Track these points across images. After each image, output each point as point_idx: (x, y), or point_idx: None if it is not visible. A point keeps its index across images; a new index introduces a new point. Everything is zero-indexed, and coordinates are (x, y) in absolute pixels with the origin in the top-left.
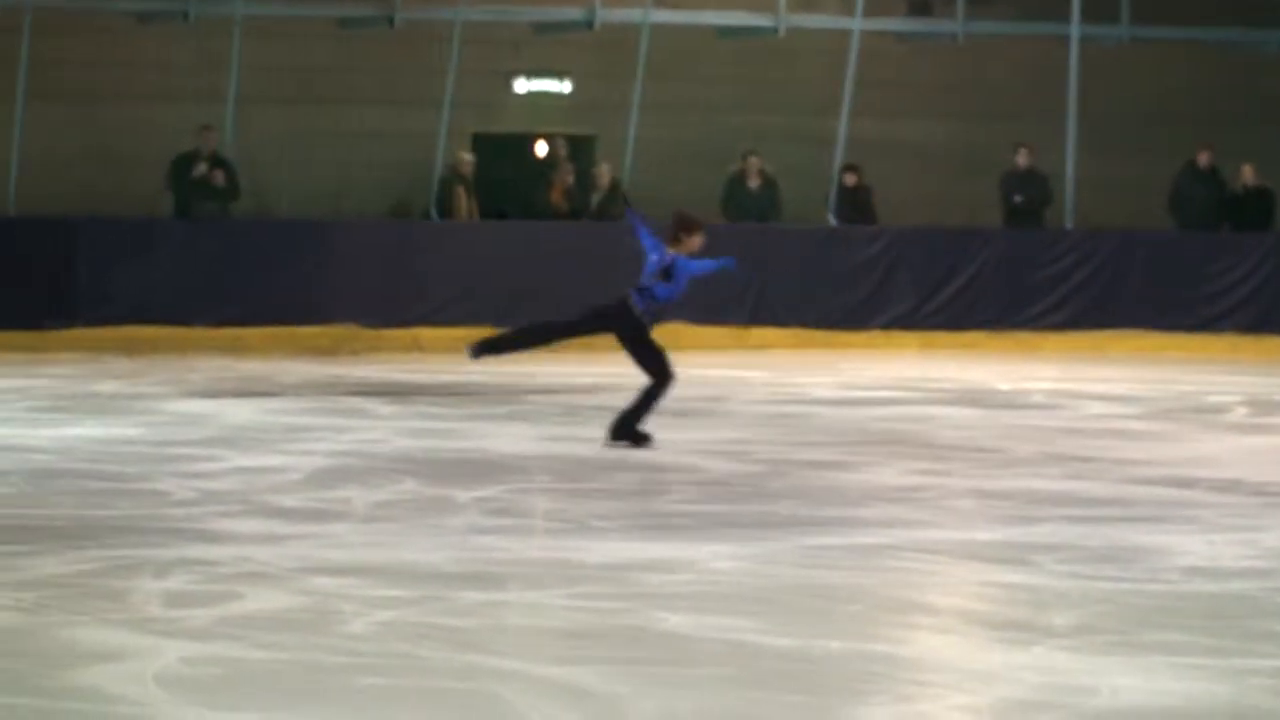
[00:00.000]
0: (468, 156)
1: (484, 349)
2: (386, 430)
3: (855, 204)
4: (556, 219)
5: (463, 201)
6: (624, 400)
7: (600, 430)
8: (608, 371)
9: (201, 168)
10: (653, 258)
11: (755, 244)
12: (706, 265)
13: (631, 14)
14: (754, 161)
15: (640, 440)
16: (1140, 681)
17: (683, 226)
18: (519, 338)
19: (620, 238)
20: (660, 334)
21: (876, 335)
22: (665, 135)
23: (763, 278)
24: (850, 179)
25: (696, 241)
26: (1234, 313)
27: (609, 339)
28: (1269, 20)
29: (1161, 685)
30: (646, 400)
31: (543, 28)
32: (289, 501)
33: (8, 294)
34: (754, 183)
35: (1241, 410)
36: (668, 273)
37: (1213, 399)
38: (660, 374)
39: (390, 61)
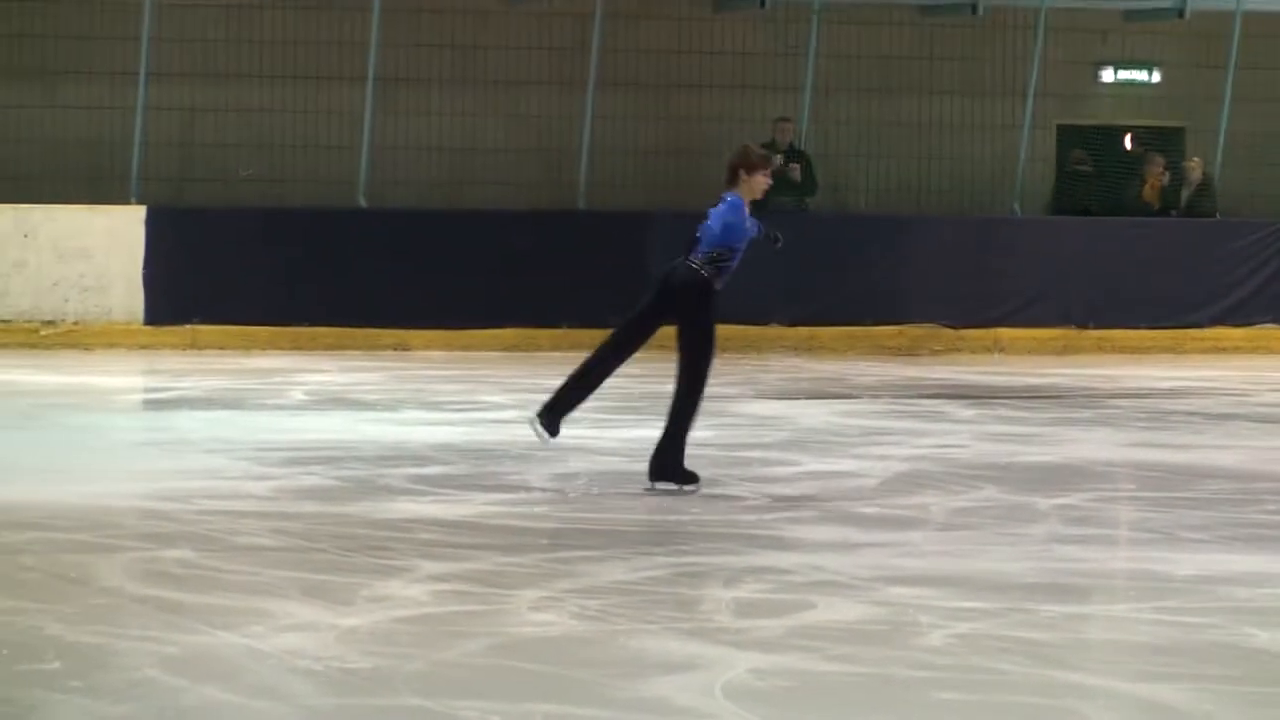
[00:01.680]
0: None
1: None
2: (966, 434)
3: None
4: (1146, 215)
5: None
6: (1213, 405)
7: (1191, 436)
8: (1193, 375)
9: (778, 160)
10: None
11: None
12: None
13: (1224, 1)
14: None
15: (686, 479)
16: None
17: (743, 162)
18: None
19: (1211, 236)
20: (1246, 336)
21: None
22: (1257, 128)
23: None
24: None
25: (759, 182)
26: None
27: None
28: None
29: None
30: (679, 422)
31: (1132, 15)
32: (864, 508)
33: (576, 289)
34: None
35: None
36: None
37: None
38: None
39: (972, 50)
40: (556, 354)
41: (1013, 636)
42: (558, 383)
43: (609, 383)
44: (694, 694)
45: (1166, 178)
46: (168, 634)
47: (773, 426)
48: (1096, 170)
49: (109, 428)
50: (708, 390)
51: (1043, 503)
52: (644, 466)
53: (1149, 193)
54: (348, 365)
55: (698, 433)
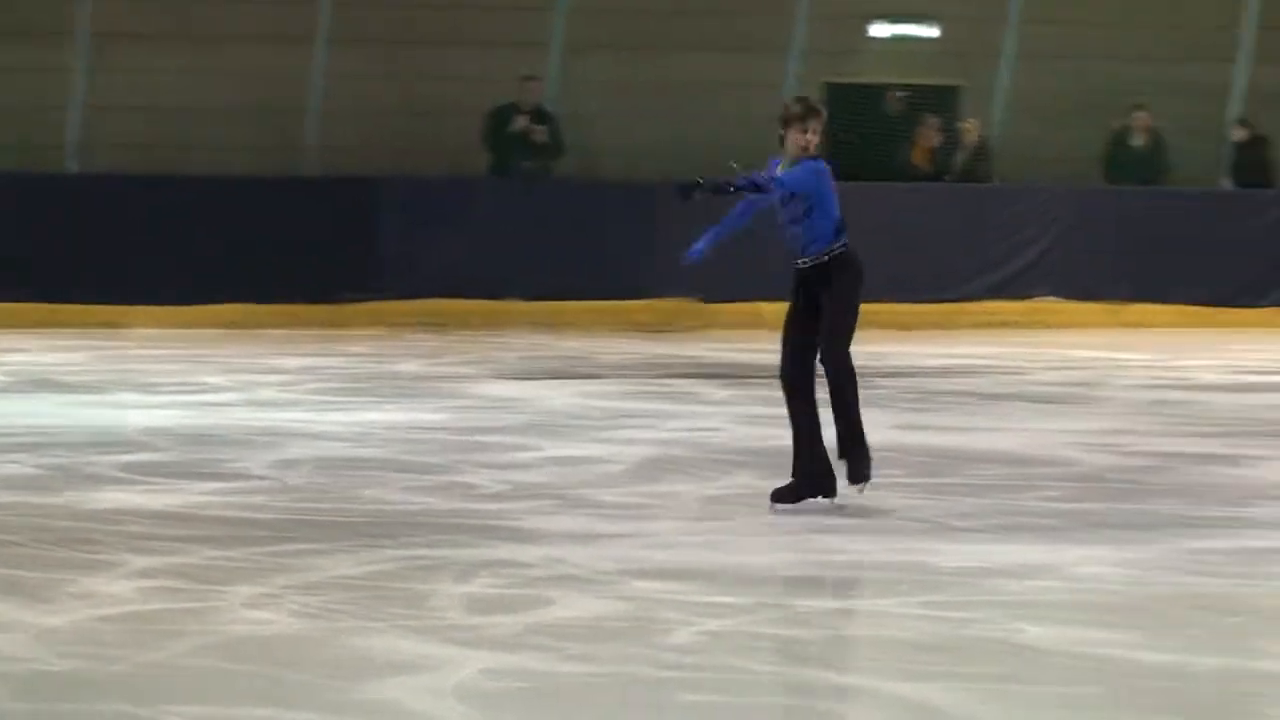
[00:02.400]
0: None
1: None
2: (720, 417)
3: (1251, 163)
4: (916, 180)
5: None
6: (987, 385)
7: (963, 418)
8: (967, 352)
9: (521, 122)
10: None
11: (1138, 209)
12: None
13: None
14: (1140, 117)
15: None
16: None
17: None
18: None
19: (986, 201)
20: (1024, 310)
21: (1274, 313)
22: (1039, 86)
23: (1145, 248)
24: (1241, 134)
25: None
26: None
27: None
28: None
29: None
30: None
31: None
32: (609, 496)
33: (302, 262)
34: (1139, 140)
35: None
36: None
37: None
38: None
39: (734, 3)
40: (281, 332)
41: (767, 634)
42: (289, 362)
43: (335, 364)
44: (423, 697)
45: (938, 140)
46: None
47: (512, 409)
48: (859, 137)
49: None
50: (439, 370)
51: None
52: (371, 451)
53: (920, 156)
54: (52, 344)
55: (431, 415)
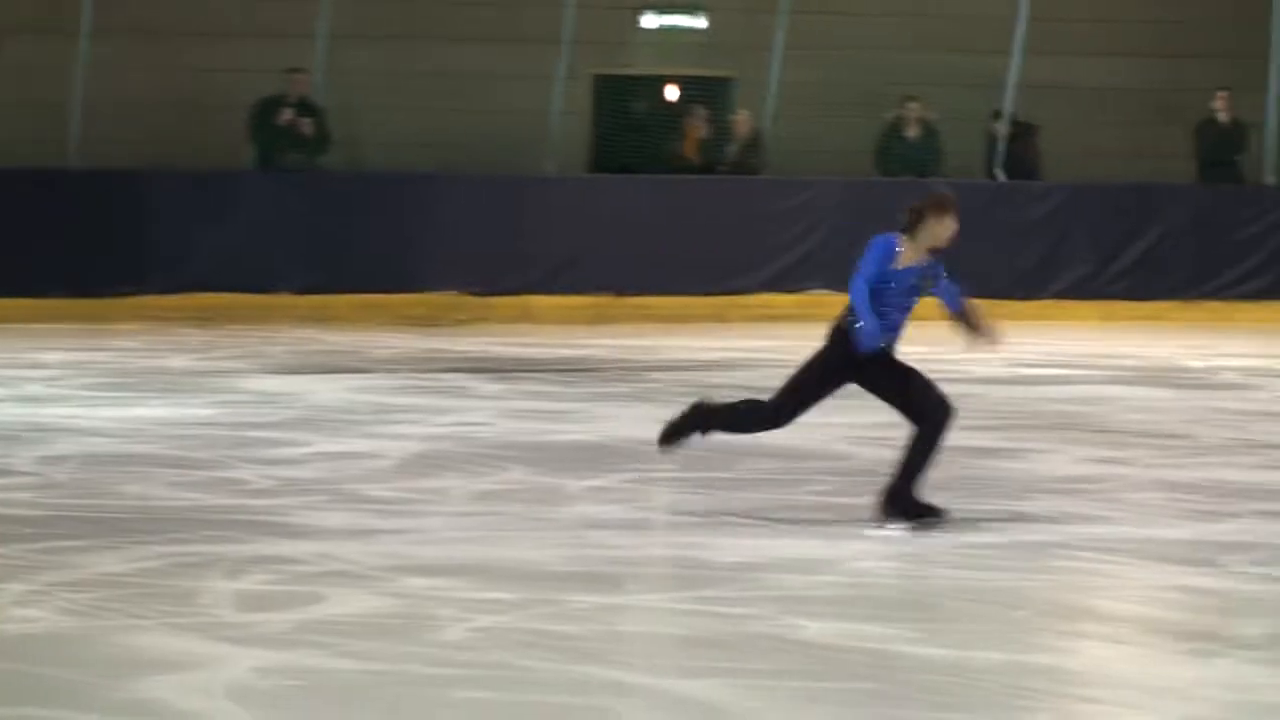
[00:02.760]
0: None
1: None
2: (490, 411)
3: (1021, 154)
4: (687, 173)
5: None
6: (759, 378)
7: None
8: (739, 345)
9: (288, 114)
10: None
11: (910, 200)
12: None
13: None
14: (913, 108)
15: (927, 513)
16: None
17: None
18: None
19: (758, 194)
20: (796, 304)
21: (1049, 305)
22: (812, 77)
23: None
24: (1003, 128)
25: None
26: None
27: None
28: None
29: None
30: (917, 456)
31: None
32: (379, 491)
33: (68, 257)
34: (912, 132)
35: None
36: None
37: None
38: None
39: None
40: (43, 326)
41: (540, 630)
42: (52, 356)
43: (102, 358)
44: (192, 695)
45: (707, 131)
46: None
47: (281, 404)
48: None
49: None
50: (207, 365)
51: (574, 485)
52: (139, 447)
53: (689, 148)
54: None
55: (199, 411)
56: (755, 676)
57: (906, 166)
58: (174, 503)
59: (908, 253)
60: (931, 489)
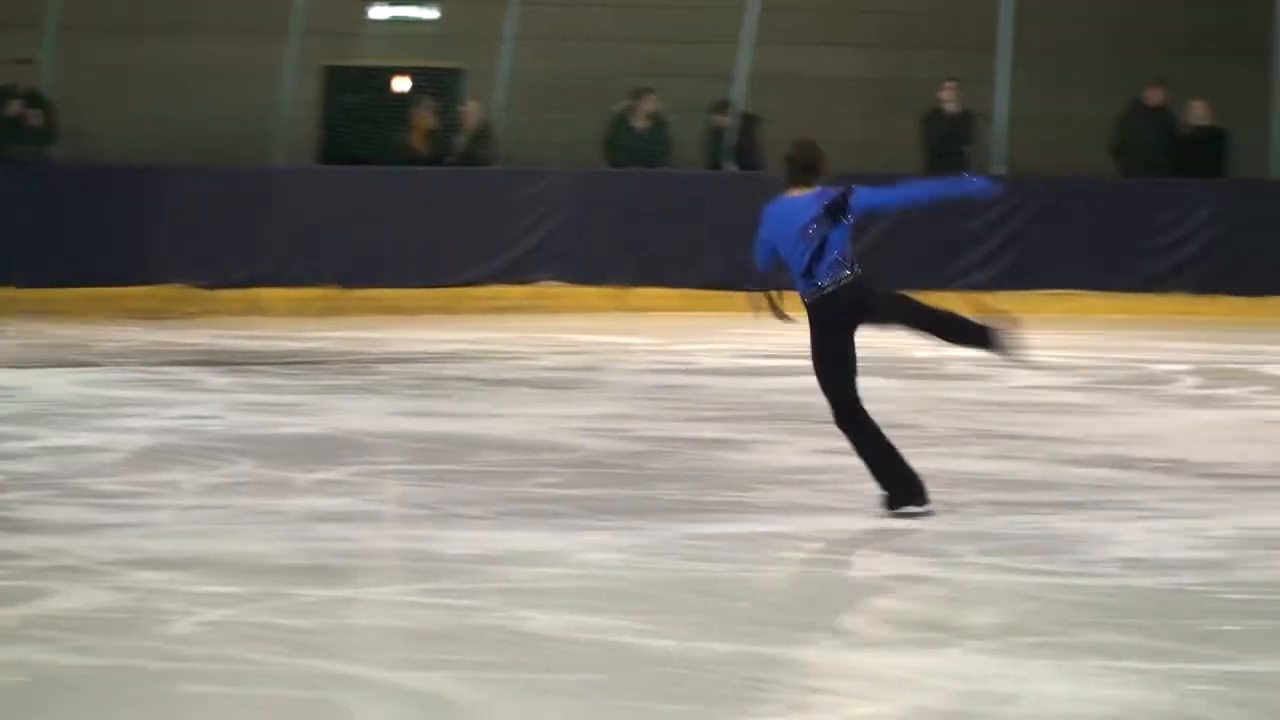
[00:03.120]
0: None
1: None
2: (219, 404)
3: (744, 148)
4: (415, 164)
5: None
6: (490, 370)
7: (465, 404)
8: (470, 337)
9: (15, 106)
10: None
11: (639, 192)
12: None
13: None
14: (643, 100)
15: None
16: (1070, 688)
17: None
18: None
19: (488, 185)
20: (528, 294)
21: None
22: (542, 68)
23: (648, 231)
24: (721, 120)
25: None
26: (1183, 270)
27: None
28: None
29: (1094, 692)
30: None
31: None
32: (107, 485)
33: None
34: (641, 123)
35: (1189, 381)
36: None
37: (1157, 368)
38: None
39: None
40: None
41: (269, 623)
42: None
43: None
44: None
45: (435, 122)
46: None
47: (6, 398)
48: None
49: None
50: None
51: (302, 478)
52: None
53: (417, 139)
54: None
55: None
56: (484, 669)
57: (634, 157)
58: None
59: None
60: (659, 480)
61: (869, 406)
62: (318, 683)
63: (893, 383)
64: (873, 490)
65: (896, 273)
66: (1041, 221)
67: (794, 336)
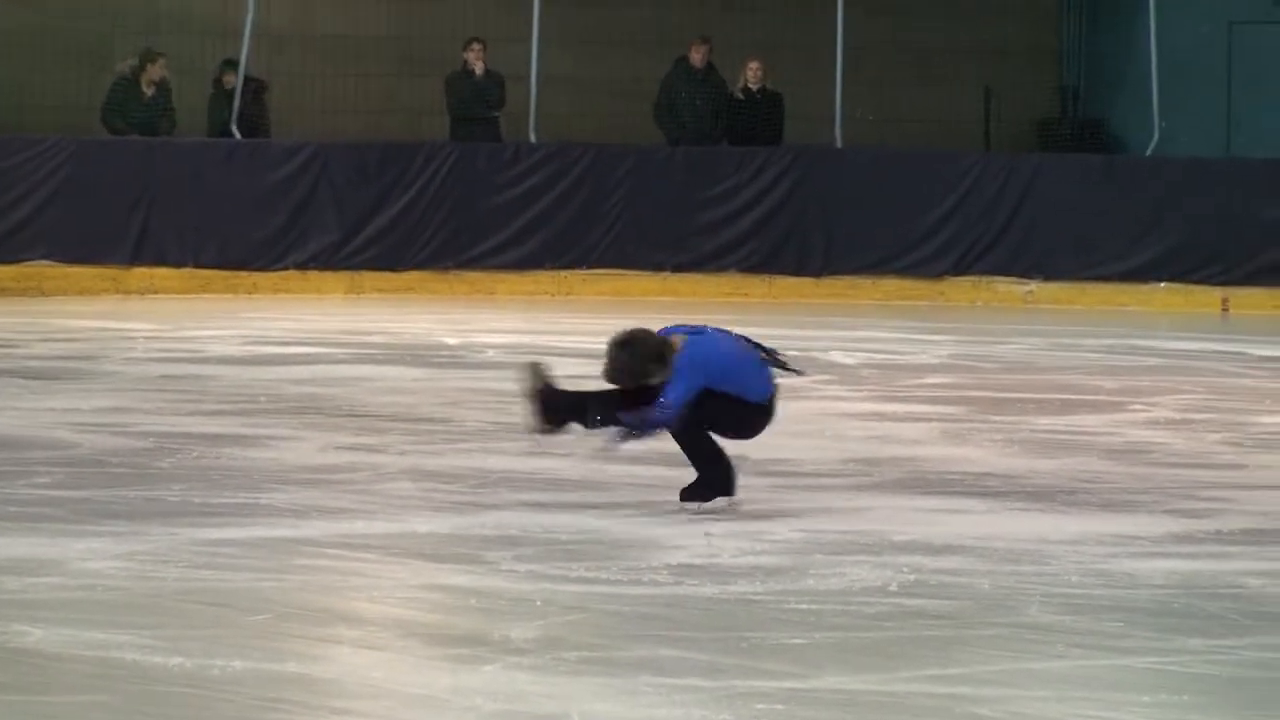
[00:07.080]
0: None
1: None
2: None
3: (249, 114)
4: None
5: None
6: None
7: None
8: None
9: None
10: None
11: (140, 162)
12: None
13: None
14: (156, 66)
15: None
16: (620, 708)
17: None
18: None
19: None
20: (15, 275)
21: (291, 276)
22: (31, 23)
23: (149, 205)
24: (229, 80)
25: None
26: (738, 246)
27: None
28: None
29: (646, 712)
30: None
31: None
32: None
33: None
34: (149, 90)
35: None
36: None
37: None
38: None
39: None
40: None
41: None
42: None
43: None
44: None
45: None
46: None
47: None
48: None
49: None
50: None
51: None
52: None
53: None
54: None
55: None
56: None
57: (138, 126)
58: None
59: None
60: (165, 480)
61: (387, 398)
62: None
63: (420, 372)
64: (396, 491)
65: (419, 252)
66: (582, 193)
67: (310, 321)
